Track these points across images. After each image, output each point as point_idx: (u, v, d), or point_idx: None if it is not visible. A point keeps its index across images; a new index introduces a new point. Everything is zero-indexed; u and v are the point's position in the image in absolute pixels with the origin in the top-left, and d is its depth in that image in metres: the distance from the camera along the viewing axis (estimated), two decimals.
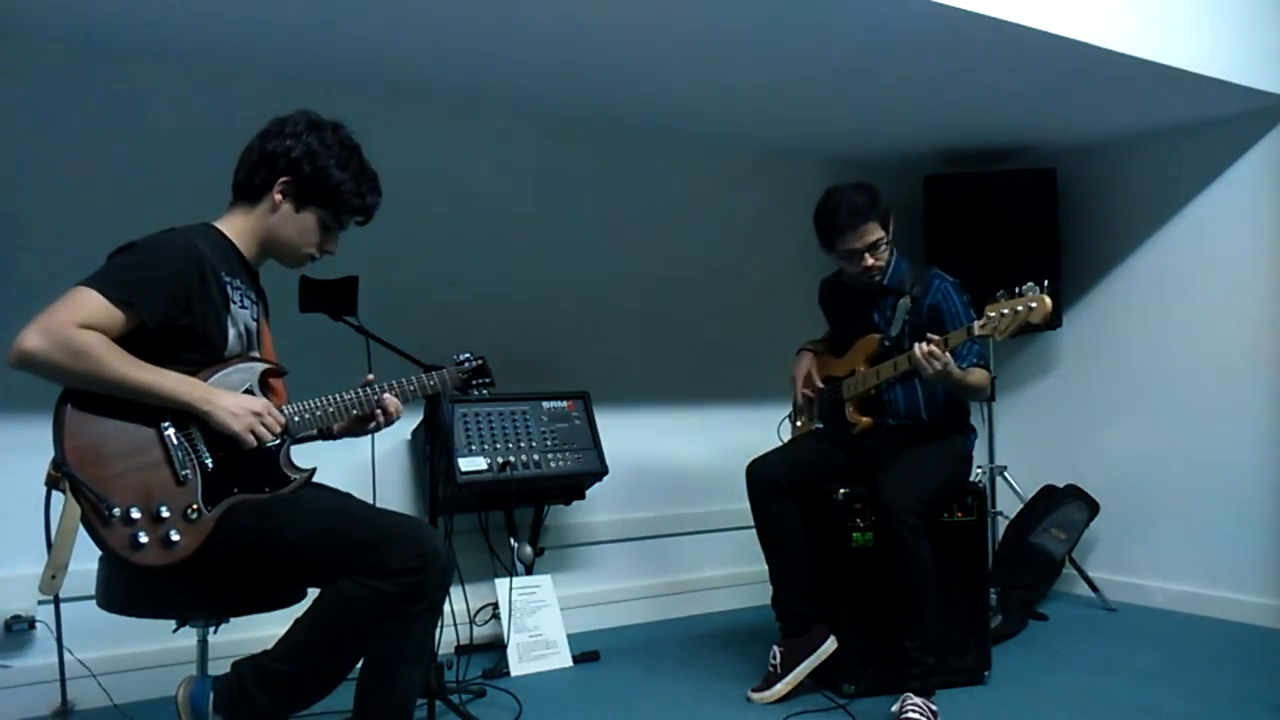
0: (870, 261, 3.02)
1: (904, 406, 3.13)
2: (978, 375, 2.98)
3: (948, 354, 2.77)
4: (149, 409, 1.92)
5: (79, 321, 1.84)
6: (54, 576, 1.86)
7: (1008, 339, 2.76)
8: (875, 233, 2.99)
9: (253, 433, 1.99)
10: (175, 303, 1.95)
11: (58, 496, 1.91)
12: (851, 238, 2.98)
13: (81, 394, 1.89)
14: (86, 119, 3.10)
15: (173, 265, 1.96)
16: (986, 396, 3.52)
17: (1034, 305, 2.61)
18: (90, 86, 3.11)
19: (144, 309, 1.91)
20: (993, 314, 2.67)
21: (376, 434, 2.37)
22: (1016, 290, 2.64)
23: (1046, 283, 2.62)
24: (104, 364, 1.85)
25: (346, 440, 2.38)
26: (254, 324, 2.19)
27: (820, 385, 3.29)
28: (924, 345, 2.77)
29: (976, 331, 2.71)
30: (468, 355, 2.52)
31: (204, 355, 2.02)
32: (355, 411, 2.23)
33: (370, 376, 2.30)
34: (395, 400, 2.28)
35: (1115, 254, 4.45)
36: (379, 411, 2.26)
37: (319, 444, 2.32)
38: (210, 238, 2.09)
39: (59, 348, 1.81)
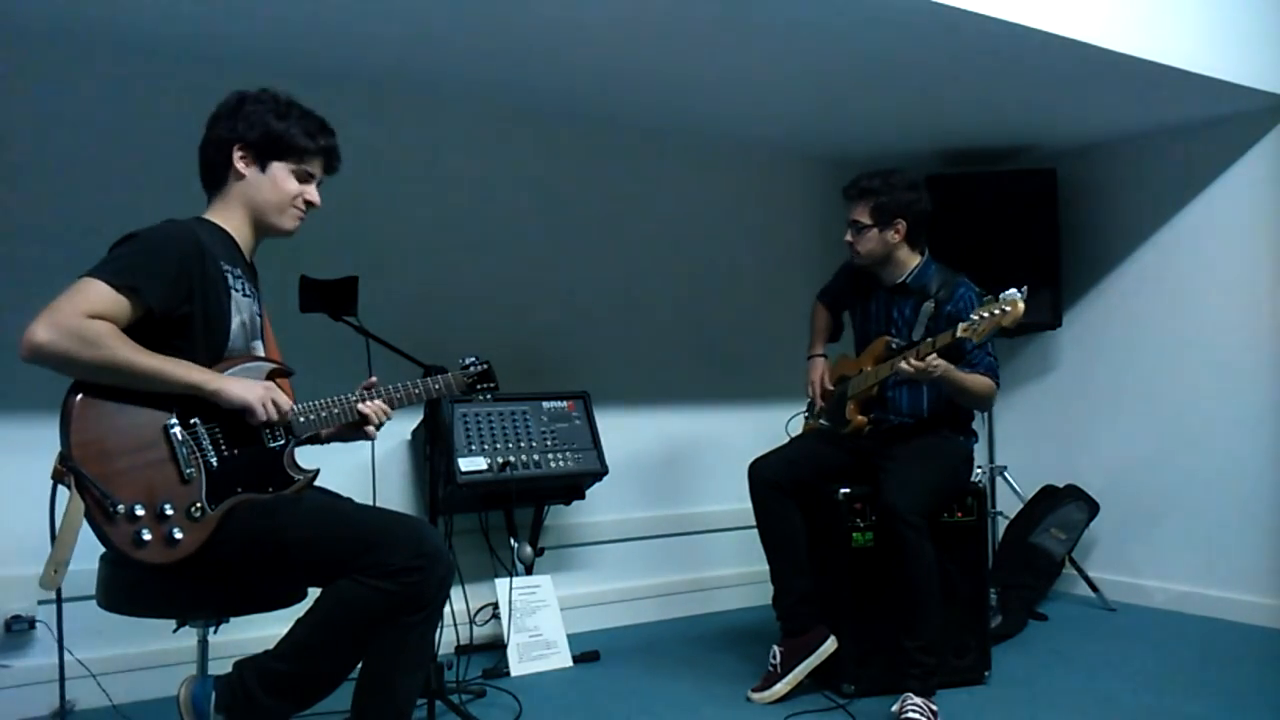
0: (849, 238, 3.14)
1: (907, 405, 3.14)
2: (980, 381, 2.99)
3: (935, 358, 2.80)
4: (156, 405, 1.92)
5: (87, 311, 1.84)
6: (55, 571, 1.86)
7: (989, 341, 2.80)
8: (861, 215, 3.09)
9: (264, 408, 1.98)
10: (179, 288, 1.95)
11: (63, 492, 1.90)
12: (847, 207, 3.15)
13: (89, 388, 1.89)
14: (87, 118, 3.10)
15: (174, 250, 1.97)
16: (986, 408, 3.50)
17: (1007, 309, 2.64)
18: (90, 85, 3.10)
19: (148, 294, 1.91)
20: (974, 317, 2.70)
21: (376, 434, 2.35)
22: (1000, 295, 2.67)
23: (1025, 288, 2.66)
24: (114, 351, 1.85)
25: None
26: (257, 316, 2.19)
27: (830, 387, 3.30)
28: (912, 362, 2.80)
29: (959, 334, 2.72)
30: (473, 359, 2.50)
31: (208, 344, 2.02)
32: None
33: (373, 379, 2.27)
34: (378, 404, 2.21)
35: (1115, 254, 4.45)
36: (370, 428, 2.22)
37: (320, 444, 2.32)
38: (206, 228, 2.10)
39: (69, 337, 1.82)
